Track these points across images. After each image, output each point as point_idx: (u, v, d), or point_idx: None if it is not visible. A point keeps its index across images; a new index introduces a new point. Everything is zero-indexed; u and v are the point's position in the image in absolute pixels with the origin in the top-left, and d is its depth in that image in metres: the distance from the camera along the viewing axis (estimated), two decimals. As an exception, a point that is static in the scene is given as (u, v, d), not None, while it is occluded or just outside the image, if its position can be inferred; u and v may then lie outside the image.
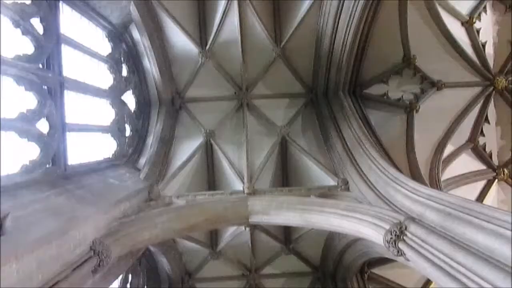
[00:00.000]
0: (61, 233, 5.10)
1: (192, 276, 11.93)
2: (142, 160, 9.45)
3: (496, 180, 11.24)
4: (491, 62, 10.17)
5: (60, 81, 6.80)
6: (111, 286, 7.61)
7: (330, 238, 10.80)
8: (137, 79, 10.10)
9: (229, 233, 10.93)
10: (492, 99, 10.47)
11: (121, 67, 9.43)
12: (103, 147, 9.08)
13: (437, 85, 10.01)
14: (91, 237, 5.78)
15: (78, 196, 6.46)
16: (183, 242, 11.05)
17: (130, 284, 10.19)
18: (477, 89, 10.30)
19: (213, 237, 11.45)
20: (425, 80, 10.06)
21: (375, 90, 10.19)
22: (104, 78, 8.96)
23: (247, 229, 10.51)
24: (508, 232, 3.91)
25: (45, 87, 6.54)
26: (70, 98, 7.23)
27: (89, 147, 9.20)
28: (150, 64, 9.75)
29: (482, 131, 10.77)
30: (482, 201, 10.98)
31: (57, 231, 5.06)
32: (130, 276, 10.25)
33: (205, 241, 11.37)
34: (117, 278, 7.94)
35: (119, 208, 6.95)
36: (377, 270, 10.93)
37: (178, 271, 11.64)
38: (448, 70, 10.00)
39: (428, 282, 10.72)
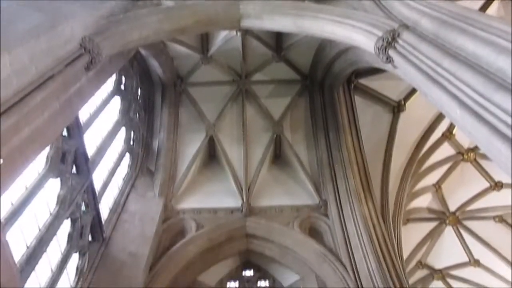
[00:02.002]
0: (49, 28, 5.03)
1: (184, 80, 12.23)
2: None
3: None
4: None
5: None
6: (104, 85, 7.89)
7: (322, 47, 10.81)
8: None
9: (220, 38, 10.82)
10: None
11: None
12: None
13: None
14: (80, 34, 5.73)
15: (60, -10, 6.14)
16: (174, 46, 11.00)
17: (124, 86, 10.51)
18: None
19: (204, 42, 11.37)
20: None
21: None
22: None
23: (239, 34, 10.39)
24: (499, 40, 3.92)
25: None
26: None
27: None
28: None
29: None
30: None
31: (44, 25, 4.99)
32: (123, 78, 10.49)
33: (196, 45, 11.33)
34: (110, 76, 8.09)
35: (105, 6, 6.67)
36: (363, 81, 11.27)
37: (170, 75, 11.91)
38: None
39: (411, 92, 11.18)
